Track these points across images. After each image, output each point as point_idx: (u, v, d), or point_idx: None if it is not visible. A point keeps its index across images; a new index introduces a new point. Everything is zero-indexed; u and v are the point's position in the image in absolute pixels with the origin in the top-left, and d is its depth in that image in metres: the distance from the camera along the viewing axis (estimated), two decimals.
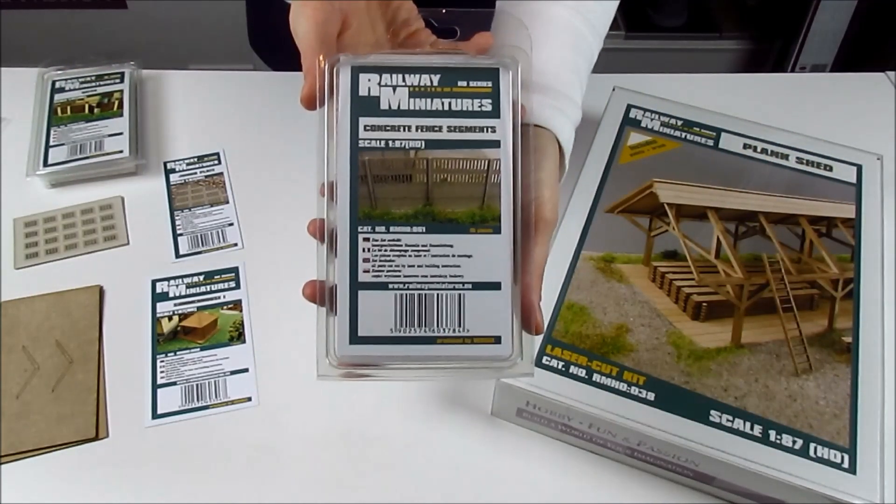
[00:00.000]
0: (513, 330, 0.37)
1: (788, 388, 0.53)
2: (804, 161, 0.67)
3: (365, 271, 0.37)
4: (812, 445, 0.50)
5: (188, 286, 0.64)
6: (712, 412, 0.51)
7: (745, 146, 0.68)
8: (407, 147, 0.38)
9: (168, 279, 0.65)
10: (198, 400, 0.58)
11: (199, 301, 0.64)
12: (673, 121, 0.70)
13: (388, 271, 0.37)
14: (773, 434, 0.50)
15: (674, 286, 0.58)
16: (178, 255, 0.67)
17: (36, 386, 0.58)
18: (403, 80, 0.39)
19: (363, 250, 0.37)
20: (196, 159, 0.75)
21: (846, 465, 0.49)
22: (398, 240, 0.37)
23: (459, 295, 0.37)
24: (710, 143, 0.68)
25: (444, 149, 0.38)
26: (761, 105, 0.78)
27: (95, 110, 0.76)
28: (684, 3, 1.84)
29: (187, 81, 0.83)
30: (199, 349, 0.61)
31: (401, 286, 0.37)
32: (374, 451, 0.56)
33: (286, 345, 0.61)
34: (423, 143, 0.38)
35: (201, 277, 0.65)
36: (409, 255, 0.37)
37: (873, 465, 0.49)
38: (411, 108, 0.38)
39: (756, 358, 0.54)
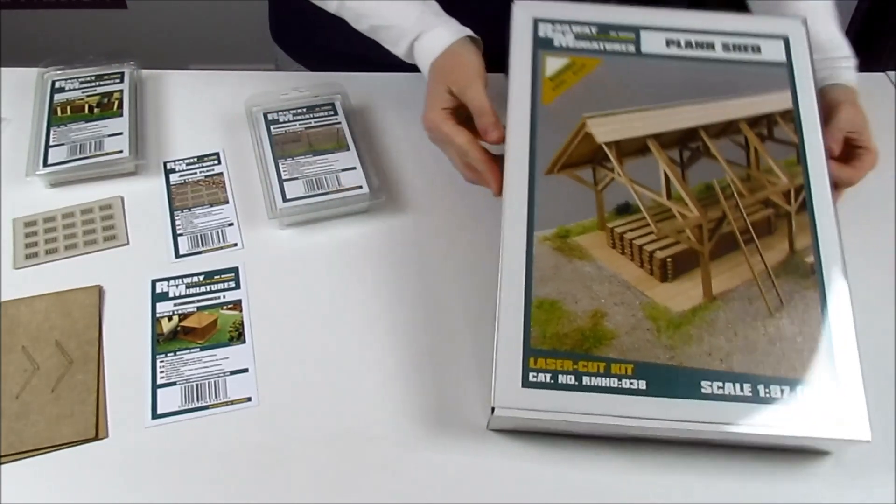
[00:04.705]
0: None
1: (766, 332, 0.53)
2: (730, 46, 0.65)
3: (285, 171, 0.70)
4: (799, 389, 0.51)
5: (188, 286, 0.64)
6: (703, 383, 0.51)
7: (668, 42, 0.65)
8: (297, 129, 0.74)
9: (168, 279, 0.65)
10: (198, 400, 0.58)
11: (199, 301, 0.64)
12: (587, 29, 0.65)
13: (298, 172, 0.70)
14: (762, 389, 0.51)
15: (634, 247, 0.57)
16: (177, 255, 0.67)
17: (36, 386, 0.58)
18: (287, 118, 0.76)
19: (283, 168, 0.70)
20: (196, 159, 0.75)
21: (834, 402, 0.51)
22: (299, 161, 0.71)
23: (337, 175, 0.70)
24: (632, 48, 0.64)
25: (314, 129, 0.74)
26: None
27: (95, 110, 0.76)
28: (684, 3, 1.83)
29: (187, 81, 0.83)
30: (199, 349, 0.61)
31: (305, 176, 0.70)
32: (374, 451, 0.56)
33: (286, 345, 0.61)
34: (306, 126, 0.74)
35: (201, 277, 0.65)
36: (307, 166, 0.70)
37: (859, 397, 0.51)
38: (296, 120, 0.75)
39: (730, 308, 0.54)
